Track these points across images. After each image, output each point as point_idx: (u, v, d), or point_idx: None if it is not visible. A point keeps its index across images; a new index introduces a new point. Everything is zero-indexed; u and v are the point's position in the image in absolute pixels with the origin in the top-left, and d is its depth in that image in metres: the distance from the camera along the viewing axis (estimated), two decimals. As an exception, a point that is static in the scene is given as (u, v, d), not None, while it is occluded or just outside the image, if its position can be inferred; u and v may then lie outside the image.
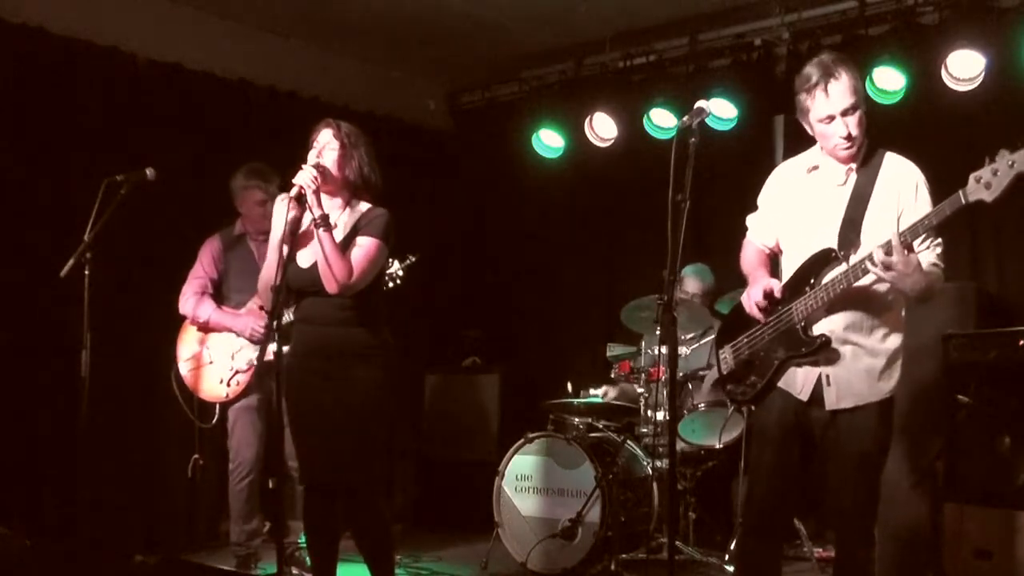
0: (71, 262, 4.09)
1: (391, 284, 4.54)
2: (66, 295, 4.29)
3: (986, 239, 5.54)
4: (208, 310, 4.91)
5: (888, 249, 2.98)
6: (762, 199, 3.57)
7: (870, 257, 3.04)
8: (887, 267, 2.98)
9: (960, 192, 2.93)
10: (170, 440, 5.75)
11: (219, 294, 4.98)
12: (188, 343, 5.02)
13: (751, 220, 3.62)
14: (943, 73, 5.33)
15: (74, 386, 4.16)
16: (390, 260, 4.49)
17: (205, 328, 4.96)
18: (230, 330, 4.88)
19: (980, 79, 5.26)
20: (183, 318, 5.03)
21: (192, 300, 4.95)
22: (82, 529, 4.81)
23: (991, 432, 4.24)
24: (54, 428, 5.16)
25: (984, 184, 2.88)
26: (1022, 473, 4.13)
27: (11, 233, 5.15)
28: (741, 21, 6.23)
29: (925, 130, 5.49)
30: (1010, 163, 2.86)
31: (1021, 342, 4.25)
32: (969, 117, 5.21)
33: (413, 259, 4.64)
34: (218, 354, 4.93)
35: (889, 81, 5.49)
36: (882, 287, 3.23)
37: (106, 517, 5.26)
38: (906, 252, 2.98)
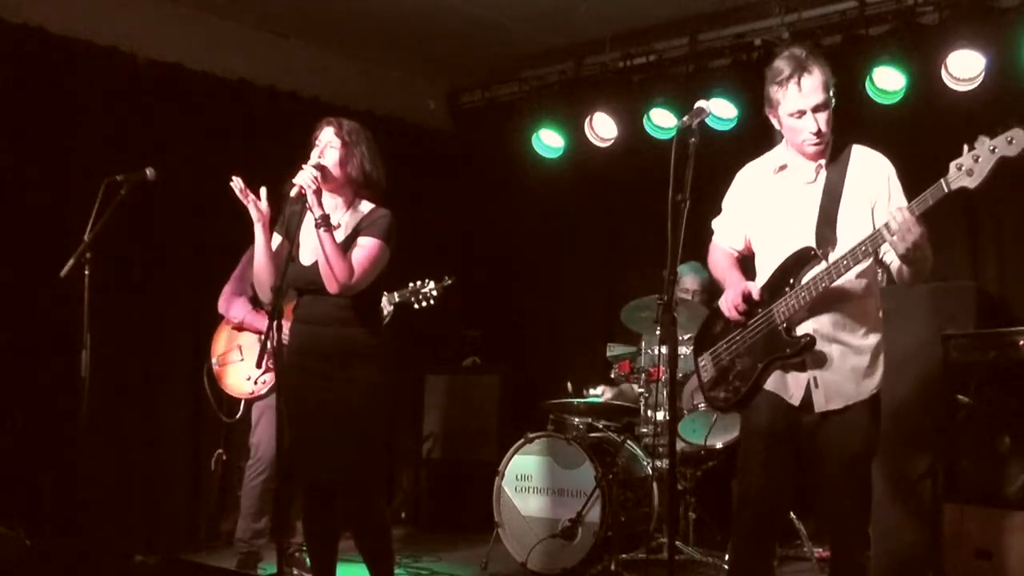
0: (71, 262, 4.09)
1: (424, 303, 4.55)
2: (66, 295, 4.29)
3: (986, 239, 5.54)
4: (242, 311, 4.99)
5: (901, 216, 2.94)
6: (727, 202, 3.55)
7: (887, 225, 2.96)
8: (907, 229, 2.91)
9: (942, 180, 2.92)
10: (170, 440, 5.77)
11: (257, 298, 5.03)
12: (222, 341, 5.11)
13: (717, 224, 3.59)
14: (943, 73, 5.33)
15: (74, 386, 4.16)
16: (425, 280, 4.52)
17: (240, 327, 5.04)
18: (262, 332, 4.92)
19: (980, 79, 5.26)
20: (220, 317, 5.09)
21: (228, 300, 5.03)
22: (82, 529, 4.82)
23: (991, 432, 4.23)
24: (54, 428, 5.16)
25: (966, 171, 2.88)
26: (1022, 473, 4.13)
27: (11, 233, 5.15)
28: (741, 21, 6.23)
29: (925, 130, 5.49)
30: (991, 148, 2.85)
31: (1021, 342, 4.25)
32: (969, 117, 5.21)
33: (450, 281, 4.64)
34: (249, 352, 5.00)
35: (889, 81, 5.49)
36: (861, 283, 3.22)
37: (106, 517, 5.26)
38: (917, 220, 2.94)
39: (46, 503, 5.17)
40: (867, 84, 5.50)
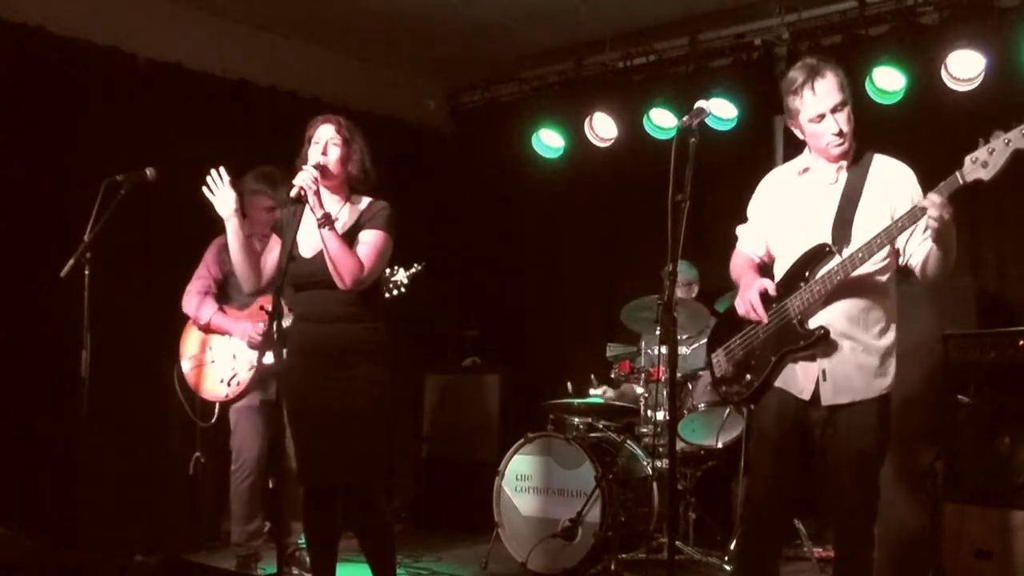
0: (71, 262, 4.09)
1: (395, 292, 4.53)
2: (66, 295, 4.29)
3: (986, 239, 5.54)
4: (210, 312, 4.90)
5: (933, 197, 2.95)
6: (752, 210, 3.57)
7: (923, 203, 2.97)
8: (943, 208, 2.92)
9: (957, 173, 2.95)
10: (170, 440, 5.76)
11: (223, 294, 4.98)
12: (191, 342, 5.02)
13: (741, 231, 3.61)
14: (943, 73, 5.34)
15: (74, 386, 4.16)
16: (395, 267, 4.50)
17: (207, 329, 4.96)
18: (230, 334, 4.89)
19: (980, 79, 5.26)
20: (187, 317, 5.02)
21: (195, 300, 4.94)
22: (82, 529, 4.81)
23: (991, 432, 4.23)
24: (54, 428, 5.16)
25: (980, 163, 2.91)
26: (1022, 473, 4.13)
27: (11, 233, 5.15)
28: (741, 21, 6.24)
29: (925, 130, 5.49)
30: (1006, 141, 2.88)
31: (1021, 342, 4.25)
32: (969, 117, 5.20)
33: (419, 267, 4.61)
34: (220, 354, 4.93)
35: (889, 81, 5.49)
36: (876, 283, 3.24)
37: (106, 517, 5.26)
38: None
39: (46, 503, 5.17)
40: (867, 84, 5.50)
